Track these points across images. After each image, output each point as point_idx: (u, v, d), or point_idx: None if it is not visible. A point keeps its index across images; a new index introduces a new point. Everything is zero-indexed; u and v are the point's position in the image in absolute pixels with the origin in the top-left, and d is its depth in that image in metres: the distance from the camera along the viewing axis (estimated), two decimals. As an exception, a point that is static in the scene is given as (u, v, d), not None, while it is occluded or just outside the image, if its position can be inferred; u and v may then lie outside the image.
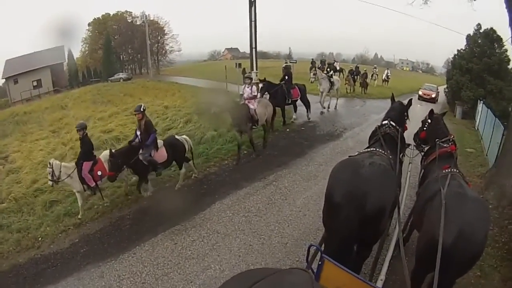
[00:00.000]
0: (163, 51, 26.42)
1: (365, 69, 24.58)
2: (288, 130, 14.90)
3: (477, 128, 17.76)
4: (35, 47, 21.31)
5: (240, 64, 19.76)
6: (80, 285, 7.20)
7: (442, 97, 22.22)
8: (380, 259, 5.66)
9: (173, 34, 26.10)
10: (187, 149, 10.79)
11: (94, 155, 9.67)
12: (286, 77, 15.89)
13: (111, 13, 25.98)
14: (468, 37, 20.79)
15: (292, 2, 23.50)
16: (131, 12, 26.04)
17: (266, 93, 14.99)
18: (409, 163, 7.11)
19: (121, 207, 9.91)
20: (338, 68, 25.39)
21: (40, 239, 9.15)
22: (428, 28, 22.11)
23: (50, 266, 8.05)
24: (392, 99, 7.10)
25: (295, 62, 22.60)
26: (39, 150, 14.61)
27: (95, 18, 25.71)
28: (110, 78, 24.52)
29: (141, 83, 23.69)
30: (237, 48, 27.61)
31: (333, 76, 19.28)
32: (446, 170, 5.26)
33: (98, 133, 15.34)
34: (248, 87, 12.50)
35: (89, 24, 25.57)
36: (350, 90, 23.47)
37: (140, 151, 9.76)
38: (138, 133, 9.88)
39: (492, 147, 12.62)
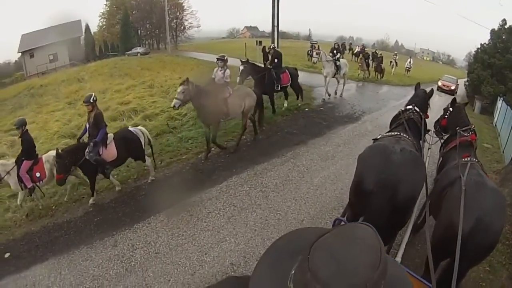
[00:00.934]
0: (182, 27, 26.24)
1: (380, 53, 23.74)
2: (307, 109, 14.65)
3: (495, 125, 17.55)
4: (51, 21, 21.47)
5: (260, 42, 18.96)
6: (93, 253, 7.30)
7: (461, 90, 21.88)
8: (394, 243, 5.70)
9: (192, 10, 25.93)
10: (144, 143, 9.51)
11: (36, 154, 9.00)
12: (276, 60, 14.36)
13: (129, -12, 25.75)
14: (492, 31, 20.17)
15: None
16: (150, -13, 25.75)
17: (250, 78, 13.53)
18: (428, 148, 6.98)
19: (137, 177, 9.96)
20: (359, 51, 24.11)
21: (53, 207, 9.25)
22: (452, 19, 21.73)
23: (63, 234, 8.16)
24: (417, 87, 7.03)
25: (316, 43, 22.20)
26: (55, 121, 14.61)
27: (113, -7, 25.50)
28: (127, 52, 24.43)
29: (159, 58, 23.52)
30: (256, 27, 27.20)
31: (340, 59, 17.34)
32: (466, 159, 5.19)
33: (115, 104, 15.38)
34: (220, 70, 10.86)
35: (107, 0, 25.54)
36: (364, 75, 21.77)
37: (87, 149, 8.67)
38: (87, 126, 8.91)
39: (509, 144, 12.56)
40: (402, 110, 6.24)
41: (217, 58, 10.95)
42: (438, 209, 4.83)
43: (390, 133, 5.58)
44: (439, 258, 4.43)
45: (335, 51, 17.72)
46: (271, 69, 14.03)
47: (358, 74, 21.51)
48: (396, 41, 27.01)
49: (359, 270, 1.13)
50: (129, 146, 9.21)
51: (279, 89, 14.14)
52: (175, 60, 21.94)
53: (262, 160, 10.35)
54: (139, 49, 24.83)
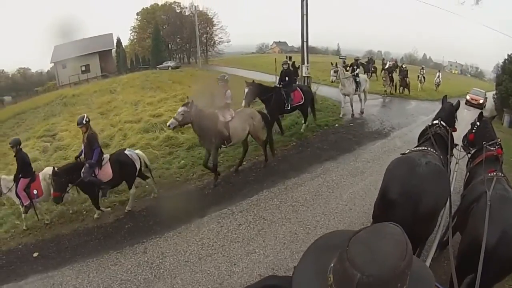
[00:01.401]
0: (212, 42, 26.30)
1: (404, 66, 22.23)
2: (336, 125, 14.48)
3: (524, 139, 16.95)
4: (84, 34, 21.96)
5: (290, 57, 18.91)
6: (122, 259, 7.40)
7: (490, 103, 21.46)
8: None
9: (222, 26, 25.89)
10: (139, 167, 9.29)
11: (32, 172, 9.01)
12: (287, 78, 13.34)
13: (160, 4, 26.15)
14: (521, 41, 19.77)
15: (342, 1, 22.91)
16: (179, 3, 25.99)
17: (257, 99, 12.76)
18: (456, 163, 6.93)
19: (169, 188, 10.02)
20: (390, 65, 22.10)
21: (84, 213, 9.43)
22: (479, 31, 21.36)
23: (92, 239, 8.31)
24: (444, 100, 7.05)
25: (345, 58, 21.58)
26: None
27: (143, 8, 25.91)
28: (158, 66, 24.58)
29: (190, 72, 23.71)
30: (285, 42, 27.07)
31: (359, 75, 16.39)
32: (492, 174, 5.18)
33: (147, 116, 15.48)
34: (224, 91, 10.26)
35: (137, 14, 25.87)
36: (389, 90, 20.52)
37: (82, 169, 8.60)
38: (83, 147, 8.91)
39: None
40: (429, 125, 6.30)
41: (217, 79, 10.49)
42: (465, 224, 4.83)
43: (417, 148, 5.68)
44: (465, 273, 4.39)
45: (355, 67, 16.74)
46: (280, 88, 13.08)
47: (385, 90, 20.45)
48: (424, 55, 26.58)
49: (389, 259, 1.32)
50: (123, 169, 9.06)
51: (289, 108, 13.12)
52: (206, 74, 22.03)
53: (293, 175, 10.30)
54: (170, 63, 24.95)
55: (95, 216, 9.11)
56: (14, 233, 9.09)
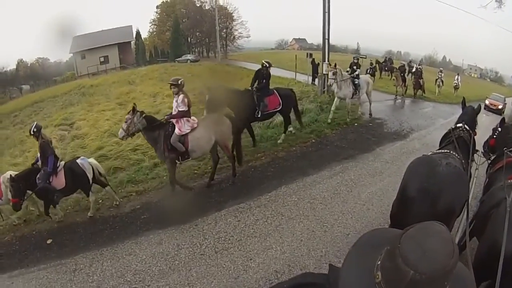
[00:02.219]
0: (232, 37, 26.27)
1: (419, 66, 21.83)
2: (356, 124, 14.39)
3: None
4: (103, 25, 22.06)
5: (311, 55, 18.70)
6: (137, 249, 7.37)
7: (508, 109, 21.15)
8: None
9: (242, 20, 25.89)
10: (91, 176, 8.82)
11: None
12: (263, 81, 11.88)
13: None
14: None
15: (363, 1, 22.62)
16: (200, -3, 26.23)
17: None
18: (476, 168, 6.83)
19: (186, 180, 9.93)
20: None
21: (100, 201, 9.39)
22: (501, 35, 20.96)
23: (108, 228, 8.31)
24: (463, 103, 6.94)
25: (365, 57, 21.15)
26: (105, 119, 14.77)
27: (163, 1, 26.02)
28: (177, 59, 24.63)
29: (209, 66, 23.68)
30: (304, 39, 27.00)
31: (360, 76, 15.25)
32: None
33: (166, 109, 15.19)
34: (175, 97, 9.05)
35: (157, 7, 25.94)
36: (400, 91, 19.69)
37: (38, 176, 8.34)
38: (38, 154, 8.60)
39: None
40: (452, 128, 6.23)
41: (169, 83, 9.08)
42: (483, 230, 4.73)
43: (440, 151, 5.65)
44: (481, 279, 4.22)
45: (354, 67, 15.41)
46: (252, 92, 11.69)
47: (396, 91, 19.82)
48: (444, 57, 26.21)
49: (440, 257, 1.38)
50: (75, 178, 8.67)
51: (259, 116, 11.57)
52: (225, 69, 22.03)
53: (312, 172, 10.22)
54: (189, 56, 24.97)
55: (58, 217, 8.87)
56: (28, 219, 9.12)
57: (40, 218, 9.06)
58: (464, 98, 7.15)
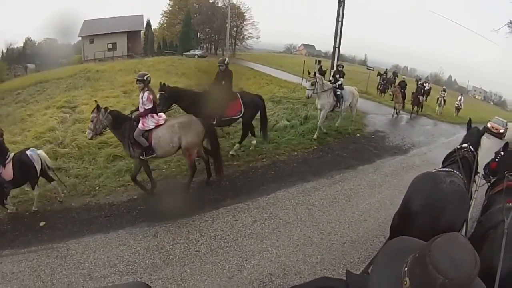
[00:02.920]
0: (241, 36, 26.20)
1: (421, 82, 21.10)
2: (358, 135, 14.38)
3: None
4: (114, 12, 22.05)
5: (319, 61, 18.64)
6: (131, 240, 7.32)
7: (510, 134, 21.21)
8: None
9: (253, 21, 25.76)
10: (39, 168, 8.49)
11: None
12: (223, 83, 11.11)
13: (193, -9, 26.14)
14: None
15: (374, 12, 22.54)
16: (213, -6, 26.19)
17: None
18: (475, 190, 6.73)
19: (186, 174, 9.78)
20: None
21: (97, 188, 9.34)
22: (509, 60, 20.95)
23: (103, 215, 8.26)
24: (469, 124, 7.09)
25: (372, 70, 21.08)
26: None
27: (177, -6, 25.96)
28: (185, 53, 24.58)
29: (216, 63, 23.20)
30: (313, 45, 26.89)
31: (345, 87, 14.11)
32: (511, 203, 5.03)
33: None
34: (141, 93, 8.76)
35: (170, -1, 25.96)
36: (397, 107, 18.29)
37: None
38: None
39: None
40: (457, 148, 6.29)
41: (135, 79, 8.82)
42: (479, 251, 4.60)
43: (444, 169, 5.71)
44: None
45: (337, 75, 14.11)
46: (204, 95, 10.68)
47: (394, 107, 18.45)
48: (450, 76, 26.18)
49: (466, 264, 1.55)
50: (23, 169, 8.32)
51: (215, 123, 10.22)
52: (232, 68, 21.84)
53: (312, 178, 10.22)
54: (197, 52, 24.94)
55: (10, 209, 8.55)
56: (22, 199, 8.99)
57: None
58: (470, 119, 7.25)
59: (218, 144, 9.48)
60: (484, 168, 7.02)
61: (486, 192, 6.54)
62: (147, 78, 8.60)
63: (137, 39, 24.65)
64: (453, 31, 21.06)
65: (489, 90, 25.94)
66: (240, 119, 11.24)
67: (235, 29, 25.93)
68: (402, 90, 18.75)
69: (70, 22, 18.96)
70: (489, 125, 20.49)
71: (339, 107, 13.83)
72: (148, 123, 8.53)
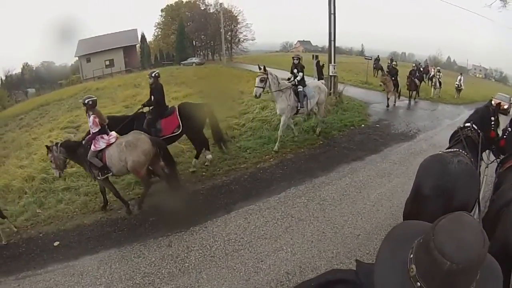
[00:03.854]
0: (237, 39, 26.16)
1: (414, 65, 20.27)
2: (363, 126, 14.33)
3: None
4: (107, 29, 22.18)
5: (317, 56, 18.35)
6: (146, 251, 7.33)
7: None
8: None
9: (247, 23, 25.70)
10: None
11: None
12: (151, 97, 10.31)
13: (184, 1, 26.28)
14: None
15: (366, 4, 22.50)
16: (204, 0, 26.10)
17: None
18: (486, 167, 6.87)
19: (195, 182, 9.95)
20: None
21: (108, 204, 9.30)
22: (506, 35, 20.75)
23: (116, 230, 8.29)
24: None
25: (370, 59, 20.91)
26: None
27: (168, 5, 25.94)
28: (182, 62, 24.56)
29: (214, 69, 23.70)
30: (309, 41, 26.76)
31: (309, 83, 12.44)
32: None
33: None
34: (87, 116, 8.68)
35: (162, 10, 25.93)
36: (389, 97, 17.07)
37: None
38: None
39: None
40: (460, 127, 6.24)
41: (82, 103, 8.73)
42: (494, 230, 4.63)
43: (450, 150, 5.64)
44: None
45: (295, 70, 12.09)
46: (144, 114, 10.20)
47: (388, 98, 17.08)
48: (449, 57, 25.92)
49: (473, 246, 1.43)
50: None
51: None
52: (231, 72, 22.00)
53: (320, 173, 10.20)
54: (195, 59, 24.96)
55: None
56: (34, 221, 9.06)
57: (48, 220, 9.03)
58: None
59: (172, 162, 9.24)
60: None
61: (496, 169, 6.45)
62: (88, 101, 8.48)
63: (133, 53, 24.75)
64: (445, 11, 20.95)
65: (489, 67, 25.78)
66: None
67: (229, 33, 25.96)
68: (393, 78, 17.48)
69: (64, 43, 19.05)
70: (493, 102, 20.31)
71: (303, 108, 11.94)
72: (99, 144, 8.51)
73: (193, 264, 6.81)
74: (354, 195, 9.12)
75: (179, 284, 6.38)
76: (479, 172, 5.74)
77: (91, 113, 8.46)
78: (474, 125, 6.16)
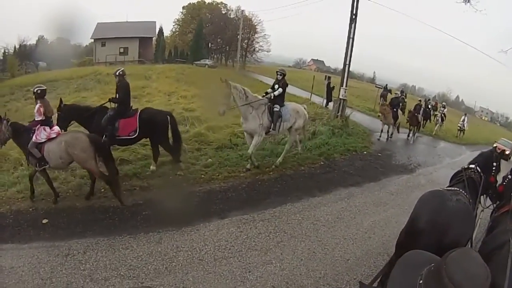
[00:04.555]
0: (252, 49, 26.50)
1: (420, 99, 20.28)
2: (365, 152, 14.44)
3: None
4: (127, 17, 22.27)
5: (329, 77, 18.36)
6: (135, 244, 7.27)
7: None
8: None
9: (264, 34, 26.10)
10: None
11: None
12: (117, 95, 10.09)
13: (206, 1, 26.58)
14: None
15: (384, 29, 22.59)
16: (226, 4, 26.44)
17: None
18: (482, 210, 6.86)
19: (192, 184, 9.93)
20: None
21: (102, 190, 9.27)
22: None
23: (107, 218, 8.21)
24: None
25: (381, 88, 20.80)
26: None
27: (189, 3, 26.42)
28: (196, 62, 24.70)
29: (226, 74, 22.84)
30: (322, 61, 27.26)
31: (287, 104, 11.44)
32: None
33: (180, 109, 15.59)
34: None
35: (183, 7, 26.26)
36: (384, 129, 16.54)
37: None
38: None
39: None
40: (464, 168, 6.27)
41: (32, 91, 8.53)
42: None
43: (451, 188, 5.67)
44: None
45: (276, 85, 11.21)
46: (107, 109, 10.00)
47: (382, 130, 16.62)
48: (457, 96, 26.18)
49: (480, 278, 1.72)
50: None
51: (107, 141, 9.43)
52: (242, 79, 21.77)
53: (318, 194, 10.22)
54: (208, 62, 25.15)
55: None
56: (26, 195, 8.96)
57: (40, 196, 8.96)
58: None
59: (113, 164, 8.98)
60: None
61: (491, 214, 6.52)
62: (37, 90, 8.41)
63: (148, 45, 24.86)
64: (461, 50, 21.04)
65: (496, 111, 25.97)
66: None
67: (246, 41, 26.08)
68: (395, 109, 16.89)
69: (83, 23, 19.10)
70: (495, 145, 20.34)
71: (275, 129, 10.96)
72: (40, 136, 8.37)
73: (180, 264, 6.74)
74: (349, 219, 9.10)
75: (164, 282, 6.31)
76: (476, 214, 5.84)
77: (38, 101, 8.41)
78: (478, 168, 6.21)
